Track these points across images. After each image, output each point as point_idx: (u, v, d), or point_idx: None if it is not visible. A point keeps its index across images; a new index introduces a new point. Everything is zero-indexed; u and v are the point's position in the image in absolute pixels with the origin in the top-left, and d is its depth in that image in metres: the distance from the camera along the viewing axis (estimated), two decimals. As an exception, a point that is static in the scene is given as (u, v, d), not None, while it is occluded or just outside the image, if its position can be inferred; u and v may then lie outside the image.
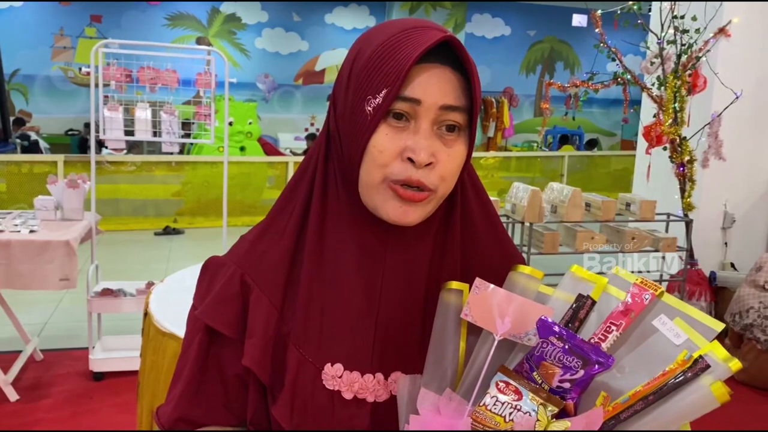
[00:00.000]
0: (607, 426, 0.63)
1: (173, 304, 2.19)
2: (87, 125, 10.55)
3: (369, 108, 0.71)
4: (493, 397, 0.65)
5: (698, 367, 0.61)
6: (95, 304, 3.36)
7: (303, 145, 11.13)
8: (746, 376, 3.54)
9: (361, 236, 0.79)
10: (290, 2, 11.92)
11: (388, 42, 0.71)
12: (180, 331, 1.96)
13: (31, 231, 3.14)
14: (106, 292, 3.41)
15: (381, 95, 0.70)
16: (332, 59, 12.42)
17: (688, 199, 4.08)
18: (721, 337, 0.65)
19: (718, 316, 3.96)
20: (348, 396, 0.77)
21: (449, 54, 0.72)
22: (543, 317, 0.68)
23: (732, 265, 4.57)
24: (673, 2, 3.93)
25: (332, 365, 0.77)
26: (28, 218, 3.37)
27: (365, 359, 0.78)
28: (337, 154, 0.78)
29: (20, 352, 3.44)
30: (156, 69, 3.51)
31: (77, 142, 10.49)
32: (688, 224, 3.97)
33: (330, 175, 0.80)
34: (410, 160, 0.71)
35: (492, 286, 0.71)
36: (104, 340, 3.57)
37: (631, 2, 4.14)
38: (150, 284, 3.33)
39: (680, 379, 0.61)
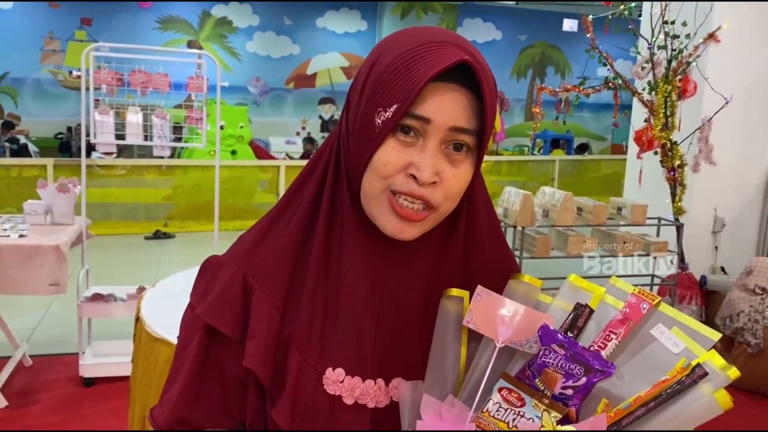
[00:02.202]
0: (609, 432, 0.63)
1: (165, 310, 2.18)
2: (70, 129, 10.48)
3: (378, 120, 0.71)
4: (495, 403, 0.65)
5: (696, 374, 0.62)
6: (85, 309, 3.34)
7: (294, 148, 11.10)
8: (736, 380, 3.55)
9: (363, 243, 0.79)
10: (281, 6, 11.92)
11: (405, 55, 0.70)
12: (172, 336, 1.95)
13: (21, 236, 3.11)
14: (97, 297, 3.38)
15: (391, 110, 0.69)
16: (324, 63, 12.42)
17: (679, 204, 4.10)
18: (711, 341, 0.66)
19: (709, 320, 3.98)
20: (349, 401, 0.77)
21: (467, 72, 0.70)
22: (545, 325, 0.68)
23: (722, 269, 4.60)
24: (663, 4, 3.95)
25: (333, 370, 0.77)
26: (17, 223, 3.34)
27: (367, 365, 0.78)
28: (345, 158, 0.78)
29: (9, 357, 3.41)
30: (147, 72, 3.49)
31: (59, 146, 10.40)
32: (679, 228, 3.99)
33: (340, 178, 0.79)
34: (413, 176, 0.71)
35: (494, 293, 0.72)
36: (94, 346, 3.54)
37: (622, 7, 4.16)
38: (141, 289, 3.30)
39: (679, 386, 0.62)
